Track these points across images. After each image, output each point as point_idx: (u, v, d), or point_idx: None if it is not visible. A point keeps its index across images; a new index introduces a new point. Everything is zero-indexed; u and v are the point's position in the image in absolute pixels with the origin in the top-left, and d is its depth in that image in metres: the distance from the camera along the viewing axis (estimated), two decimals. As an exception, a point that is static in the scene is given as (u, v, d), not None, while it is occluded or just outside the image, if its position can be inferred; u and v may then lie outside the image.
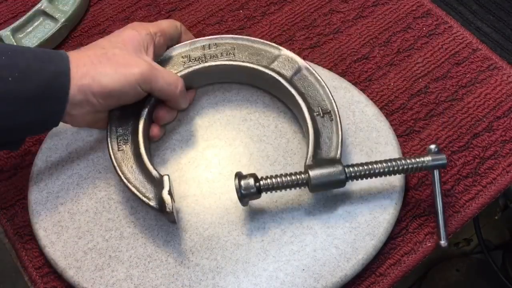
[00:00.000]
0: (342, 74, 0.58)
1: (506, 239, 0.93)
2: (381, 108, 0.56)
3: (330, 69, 0.59)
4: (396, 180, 0.49)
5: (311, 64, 0.57)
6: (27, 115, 0.41)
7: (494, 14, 0.65)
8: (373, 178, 0.46)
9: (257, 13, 0.64)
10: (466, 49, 0.60)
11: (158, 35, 0.50)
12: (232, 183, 0.50)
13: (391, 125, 0.55)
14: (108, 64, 0.44)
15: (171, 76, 0.48)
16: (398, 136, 0.54)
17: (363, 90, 0.57)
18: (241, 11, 0.64)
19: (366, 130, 0.52)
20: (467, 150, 0.54)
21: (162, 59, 0.53)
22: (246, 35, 0.62)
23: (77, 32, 0.64)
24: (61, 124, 0.46)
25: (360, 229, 0.47)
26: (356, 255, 0.46)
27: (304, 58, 0.59)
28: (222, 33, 0.62)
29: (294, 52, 0.60)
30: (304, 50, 0.61)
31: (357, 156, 0.51)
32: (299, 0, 0.65)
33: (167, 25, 0.52)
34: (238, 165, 0.51)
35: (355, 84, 0.58)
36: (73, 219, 0.49)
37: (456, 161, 0.53)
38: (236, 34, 0.62)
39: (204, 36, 0.62)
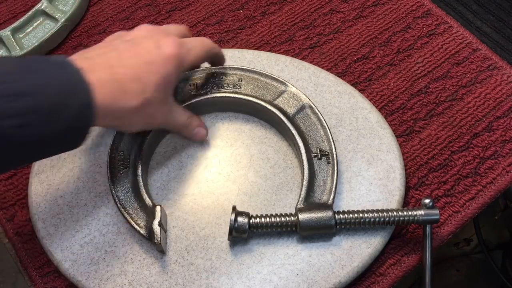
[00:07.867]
0: (342, 74, 0.58)
1: (506, 239, 0.93)
2: (381, 108, 0.56)
3: (330, 69, 0.59)
4: (396, 189, 0.49)
5: (317, 68, 0.57)
6: (46, 150, 0.40)
7: (494, 14, 0.65)
8: (363, 226, 0.46)
9: (257, 13, 0.64)
10: (466, 49, 0.60)
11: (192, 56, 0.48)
12: (231, 185, 0.50)
13: (391, 125, 0.55)
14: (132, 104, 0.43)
15: (184, 119, 0.50)
16: (398, 136, 0.54)
17: (363, 90, 0.57)
18: (241, 11, 0.64)
19: (368, 137, 0.52)
20: (467, 150, 0.54)
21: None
22: (246, 35, 0.62)
23: (77, 32, 0.64)
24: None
25: (357, 236, 0.47)
26: (352, 262, 0.46)
27: (304, 58, 0.60)
28: (222, 33, 0.63)
29: (294, 52, 0.60)
30: (304, 50, 0.61)
31: (358, 162, 0.51)
32: (299, 0, 0.65)
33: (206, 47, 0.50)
34: (238, 166, 0.51)
35: (355, 84, 0.58)
36: (72, 212, 0.49)
37: (456, 161, 0.53)
38: (236, 34, 0.63)
39: (204, 36, 0.62)
